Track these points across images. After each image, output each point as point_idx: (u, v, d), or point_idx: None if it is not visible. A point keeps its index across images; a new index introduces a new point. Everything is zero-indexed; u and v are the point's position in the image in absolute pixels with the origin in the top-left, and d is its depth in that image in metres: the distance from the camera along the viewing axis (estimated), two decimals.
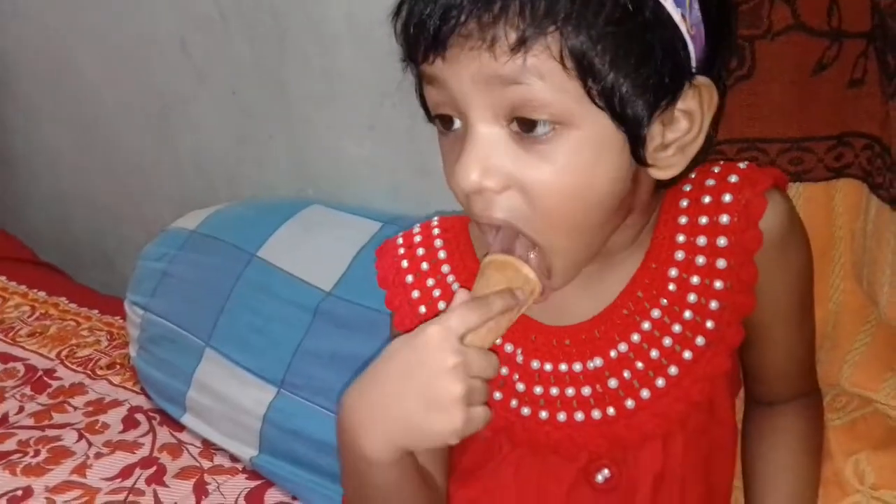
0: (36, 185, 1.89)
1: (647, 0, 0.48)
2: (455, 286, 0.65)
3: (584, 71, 0.48)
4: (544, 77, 0.48)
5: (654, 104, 0.50)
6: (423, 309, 0.66)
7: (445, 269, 0.67)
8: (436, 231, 0.69)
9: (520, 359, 0.64)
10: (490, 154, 0.51)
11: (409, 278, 0.67)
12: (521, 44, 0.47)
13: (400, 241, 0.69)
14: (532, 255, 0.54)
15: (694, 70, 0.52)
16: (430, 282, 0.67)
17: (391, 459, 0.55)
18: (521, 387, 0.64)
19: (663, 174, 0.55)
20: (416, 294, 0.66)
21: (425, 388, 0.52)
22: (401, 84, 1.16)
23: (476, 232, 0.67)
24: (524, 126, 0.50)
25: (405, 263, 0.67)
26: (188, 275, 1.21)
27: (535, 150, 0.50)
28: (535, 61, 0.48)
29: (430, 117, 0.58)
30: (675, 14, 0.50)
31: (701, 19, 0.52)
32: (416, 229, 0.70)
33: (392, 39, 0.54)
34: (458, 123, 0.53)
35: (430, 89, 0.53)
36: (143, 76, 1.52)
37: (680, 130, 0.53)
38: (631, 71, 0.48)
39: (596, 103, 0.49)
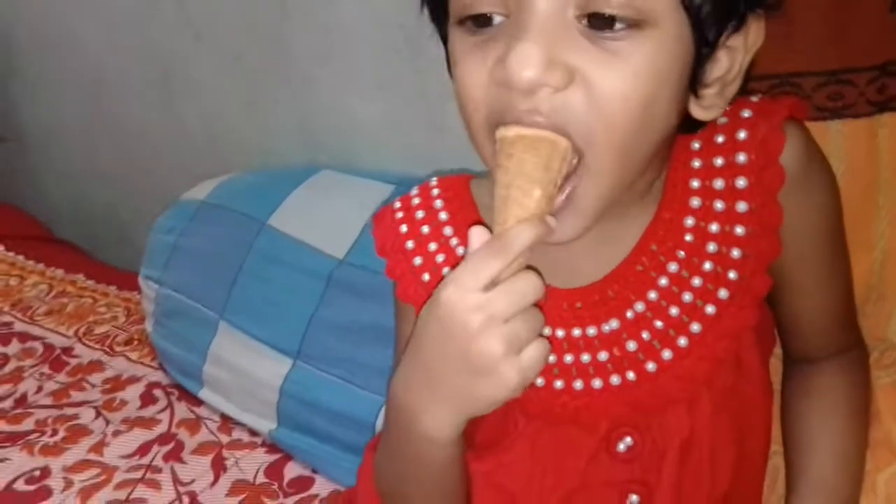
0: (48, 162, 1.87)
1: None
2: (459, 250, 0.61)
3: None
4: None
5: (724, 24, 0.47)
6: (426, 277, 0.61)
7: (448, 231, 0.62)
8: (435, 192, 0.64)
9: None
10: (556, 43, 0.44)
11: (410, 244, 0.62)
12: None
13: (398, 205, 0.65)
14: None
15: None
16: (433, 246, 0.62)
17: (455, 435, 0.52)
18: None
19: (704, 114, 0.51)
20: (418, 261, 0.62)
21: (463, 358, 0.47)
22: (408, 38, 1.11)
23: (478, 189, 0.63)
24: (597, 23, 0.44)
25: (404, 228, 0.63)
26: (200, 246, 1.18)
27: (607, 46, 0.44)
28: None
29: (438, 21, 0.52)
30: None
31: None
32: (414, 191, 0.65)
33: None
34: (498, 20, 0.47)
35: None
36: (143, 41, 1.48)
37: (722, 69, 0.50)
38: None
39: (684, 3, 0.45)
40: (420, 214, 0.63)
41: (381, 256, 0.65)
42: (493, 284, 0.46)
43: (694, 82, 0.49)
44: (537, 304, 0.49)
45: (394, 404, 0.54)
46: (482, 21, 0.47)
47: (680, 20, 0.45)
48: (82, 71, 1.65)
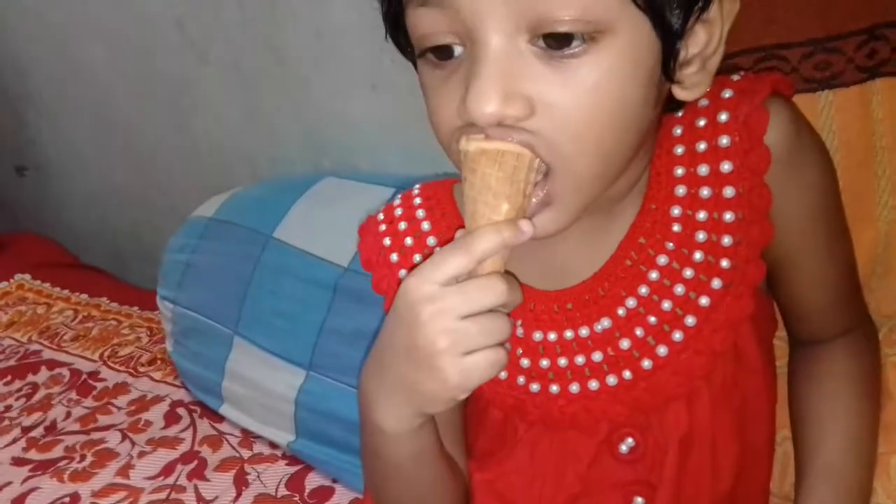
0: (70, 188, 1.90)
1: None
2: None
3: None
4: None
5: (689, 9, 0.45)
6: None
7: (431, 241, 0.61)
8: (417, 201, 0.63)
9: (520, 332, 0.58)
10: (511, 75, 0.43)
11: (394, 257, 0.62)
12: None
13: (381, 216, 0.64)
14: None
15: None
16: (417, 258, 0.61)
17: (405, 429, 0.52)
18: (525, 362, 0.58)
19: (689, 94, 0.49)
20: (403, 274, 0.61)
21: (408, 348, 0.47)
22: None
23: (461, 194, 0.61)
24: (554, 43, 0.43)
25: (388, 241, 0.62)
26: (210, 263, 1.19)
27: (564, 66, 0.43)
28: None
29: (407, 52, 0.51)
30: None
31: None
32: (397, 201, 0.64)
33: None
34: (458, 51, 0.46)
35: (423, 13, 0.45)
36: (150, 65, 1.49)
37: (700, 44, 0.48)
38: None
39: (638, 4, 0.43)
40: (403, 226, 0.62)
41: (367, 270, 0.64)
42: (455, 282, 0.46)
43: (669, 70, 0.47)
44: (510, 315, 0.48)
45: (358, 401, 0.54)
46: (443, 53, 0.46)
47: (639, 20, 0.44)
48: (95, 98, 1.68)
